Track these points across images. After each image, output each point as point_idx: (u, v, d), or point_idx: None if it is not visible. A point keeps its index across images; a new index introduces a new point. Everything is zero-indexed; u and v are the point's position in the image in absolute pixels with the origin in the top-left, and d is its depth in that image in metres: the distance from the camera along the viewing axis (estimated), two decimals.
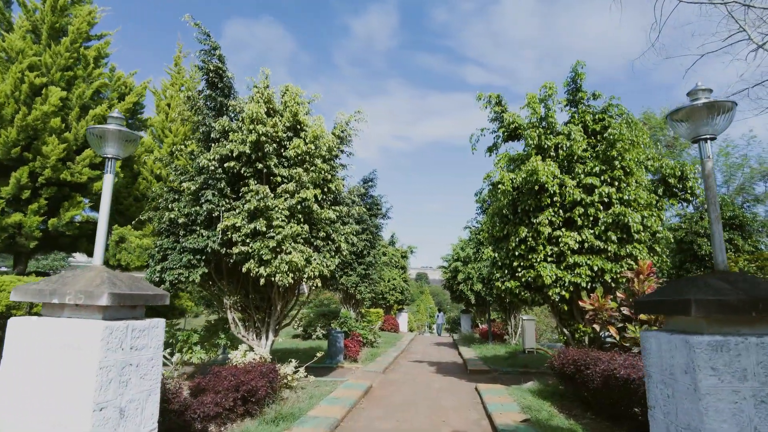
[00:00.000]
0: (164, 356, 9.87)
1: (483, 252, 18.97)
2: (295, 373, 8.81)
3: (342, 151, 10.63)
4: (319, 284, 9.01)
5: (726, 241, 15.85)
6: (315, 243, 9.19)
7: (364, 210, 19.78)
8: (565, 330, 9.20)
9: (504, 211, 9.33)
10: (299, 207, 8.74)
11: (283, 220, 8.50)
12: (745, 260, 13.91)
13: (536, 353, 14.60)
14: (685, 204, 9.86)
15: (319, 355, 9.28)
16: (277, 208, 8.52)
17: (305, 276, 8.80)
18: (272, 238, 8.42)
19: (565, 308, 8.85)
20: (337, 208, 9.72)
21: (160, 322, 3.62)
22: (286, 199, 8.69)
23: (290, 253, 8.44)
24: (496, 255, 9.59)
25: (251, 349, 9.49)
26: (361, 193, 20.11)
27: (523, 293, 9.17)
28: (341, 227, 10.09)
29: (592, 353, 7.25)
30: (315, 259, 8.95)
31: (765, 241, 18.61)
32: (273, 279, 8.48)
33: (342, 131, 10.13)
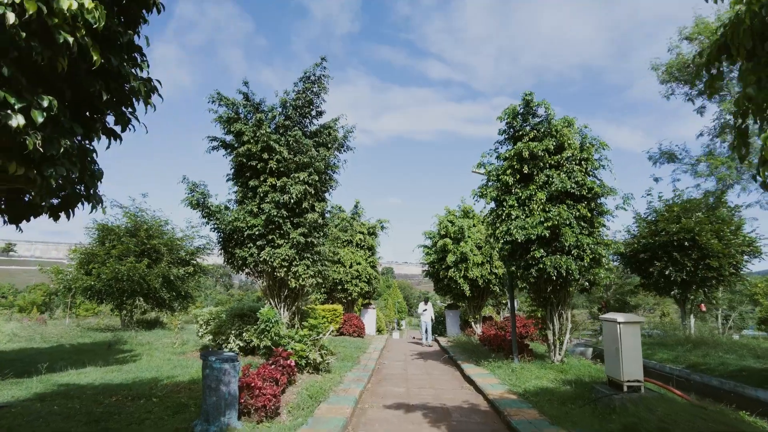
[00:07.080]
0: None
1: (508, 203, 10.94)
2: None
3: None
4: None
5: None
6: None
7: (301, 135, 11.38)
8: None
9: None
10: None
11: None
12: None
13: (644, 391, 7.09)
14: None
15: None
16: None
17: None
18: None
19: None
20: None
21: None
22: None
23: None
24: None
25: None
26: (297, 104, 11.91)
27: None
28: None
29: None
30: None
31: None
32: None
33: None
